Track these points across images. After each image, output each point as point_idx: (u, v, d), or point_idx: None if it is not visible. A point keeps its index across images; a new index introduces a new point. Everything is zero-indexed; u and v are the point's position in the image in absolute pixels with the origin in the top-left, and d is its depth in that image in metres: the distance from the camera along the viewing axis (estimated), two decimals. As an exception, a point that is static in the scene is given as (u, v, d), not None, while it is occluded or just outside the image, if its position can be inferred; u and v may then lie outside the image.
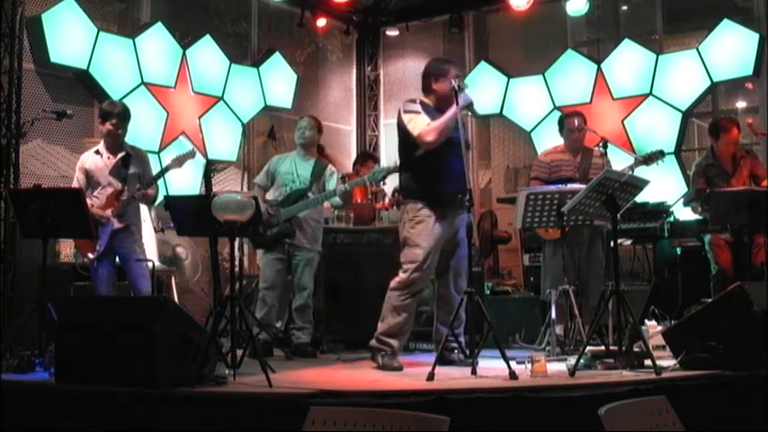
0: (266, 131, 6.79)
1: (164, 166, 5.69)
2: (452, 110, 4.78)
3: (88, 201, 5.27)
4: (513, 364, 4.32)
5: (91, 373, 4.04)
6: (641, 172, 5.55)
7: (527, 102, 8.92)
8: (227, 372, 4.24)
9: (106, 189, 5.46)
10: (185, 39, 8.07)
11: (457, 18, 9.25)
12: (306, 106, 9.19)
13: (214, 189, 6.34)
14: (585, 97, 8.57)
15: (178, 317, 4.19)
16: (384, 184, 7.10)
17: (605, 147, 5.73)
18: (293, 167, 6.03)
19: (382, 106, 10.06)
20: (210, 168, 6.56)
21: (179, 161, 5.60)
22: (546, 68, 8.83)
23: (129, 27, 7.69)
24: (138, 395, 3.86)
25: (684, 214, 6.97)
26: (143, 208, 5.84)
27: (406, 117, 4.97)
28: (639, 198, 5.30)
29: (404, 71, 9.99)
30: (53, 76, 6.89)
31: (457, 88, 4.85)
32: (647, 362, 4.34)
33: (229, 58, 8.36)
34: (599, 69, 8.56)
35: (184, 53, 7.95)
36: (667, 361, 4.48)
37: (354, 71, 10.15)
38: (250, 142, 8.55)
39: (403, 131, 5.01)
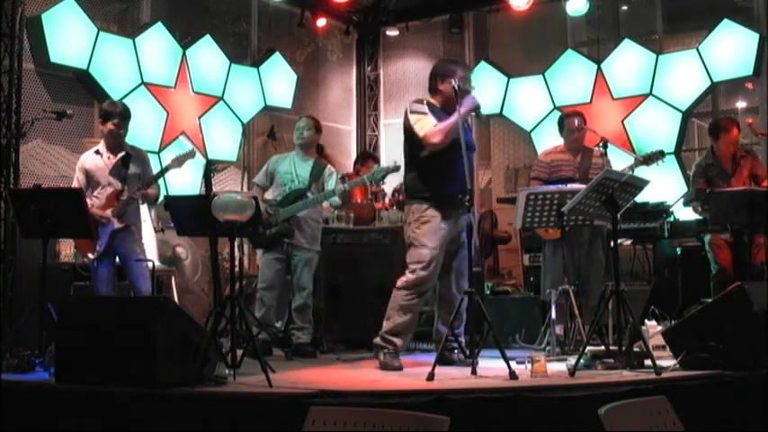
0: (266, 131, 6.79)
1: (164, 166, 5.69)
2: (459, 112, 4.79)
3: (88, 201, 5.27)
4: (513, 364, 4.32)
5: (91, 373, 4.04)
6: (641, 172, 5.55)
7: (527, 102, 8.93)
8: (227, 372, 4.24)
9: (106, 189, 5.46)
10: (185, 39, 8.06)
11: (457, 18, 9.26)
12: (306, 106, 9.19)
13: (214, 189, 6.34)
14: (585, 97, 8.57)
15: (178, 317, 4.19)
16: (383, 183, 7.10)
17: (605, 147, 5.74)
18: (292, 167, 6.03)
19: (382, 106, 10.07)
20: (210, 168, 6.56)
21: (179, 161, 5.61)
22: (546, 68, 8.83)
23: (129, 27, 7.69)
24: (138, 395, 3.86)
25: (684, 214, 6.97)
26: (143, 208, 5.84)
27: (412, 117, 4.96)
28: (639, 198, 5.30)
29: (404, 71, 10.00)
30: (53, 76, 6.89)
31: (458, 89, 4.86)
32: (647, 362, 4.34)
33: (229, 58, 8.36)
34: (599, 69, 8.56)
35: (184, 53, 7.95)
36: (667, 361, 4.47)
37: (354, 71, 10.15)
38: (250, 142, 8.55)
39: (409, 132, 5.00)
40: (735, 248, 5.98)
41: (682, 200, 7.09)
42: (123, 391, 3.90)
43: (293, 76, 8.99)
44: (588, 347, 4.54)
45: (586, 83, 8.60)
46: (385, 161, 8.71)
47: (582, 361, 4.43)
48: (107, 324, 4.13)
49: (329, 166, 6.16)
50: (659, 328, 5.03)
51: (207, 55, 8.15)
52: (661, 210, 6.91)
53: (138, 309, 4.33)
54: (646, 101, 8.31)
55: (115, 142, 5.52)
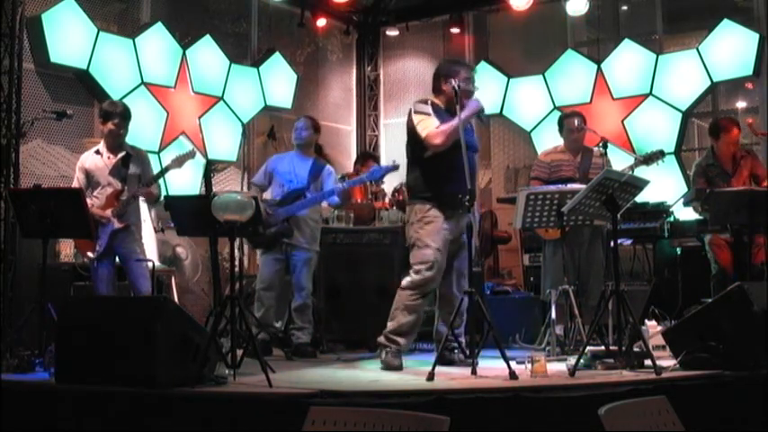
0: (266, 131, 6.79)
1: (164, 167, 5.69)
2: (462, 115, 4.78)
3: (88, 201, 5.27)
4: (513, 364, 4.32)
5: (91, 373, 4.04)
6: (641, 172, 5.55)
7: (527, 102, 8.93)
8: (227, 372, 4.24)
9: (106, 189, 5.46)
10: (185, 39, 8.07)
11: (457, 18, 9.26)
12: (306, 106, 9.19)
13: (214, 189, 6.34)
14: (585, 97, 8.57)
15: (178, 317, 4.19)
16: (383, 183, 7.10)
17: (605, 147, 5.73)
18: (291, 167, 6.03)
19: (382, 106, 10.07)
20: (210, 168, 6.56)
21: (179, 161, 5.60)
22: (546, 68, 8.83)
23: (129, 27, 7.69)
24: (138, 395, 3.86)
25: (684, 214, 6.97)
26: (143, 208, 5.84)
27: (416, 117, 4.97)
28: (639, 198, 5.30)
29: (404, 71, 10.00)
30: (53, 76, 6.89)
31: (458, 89, 4.87)
32: (647, 362, 4.34)
33: (229, 58, 8.36)
34: (599, 69, 8.57)
35: (184, 53, 7.95)
36: (667, 361, 4.47)
37: (354, 71, 10.15)
38: (250, 142, 8.55)
39: (412, 132, 5.01)
40: (735, 248, 5.98)
41: (682, 200, 7.09)
42: (123, 391, 3.90)
43: (293, 76, 8.99)
44: (588, 347, 4.54)
45: (586, 83, 8.60)
46: (385, 161, 8.70)
47: (582, 361, 4.43)
48: (107, 324, 4.13)
49: (328, 165, 6.16)
50: (659, 328, 5.03)
51: (207, 55, 8.16)
52: (661, 210, 6.91)
53: (138, 309, 4.33)
54: (646, 101, 8.31)
55: (115, 142, 5.52)
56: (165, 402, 3.84)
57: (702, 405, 3.77)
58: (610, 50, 8.62)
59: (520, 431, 3.65)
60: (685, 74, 8.12)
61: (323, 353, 6.08)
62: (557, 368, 4.52)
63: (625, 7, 9.27)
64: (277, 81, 8.82)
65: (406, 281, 4.97)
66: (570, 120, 6.10)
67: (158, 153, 7.51)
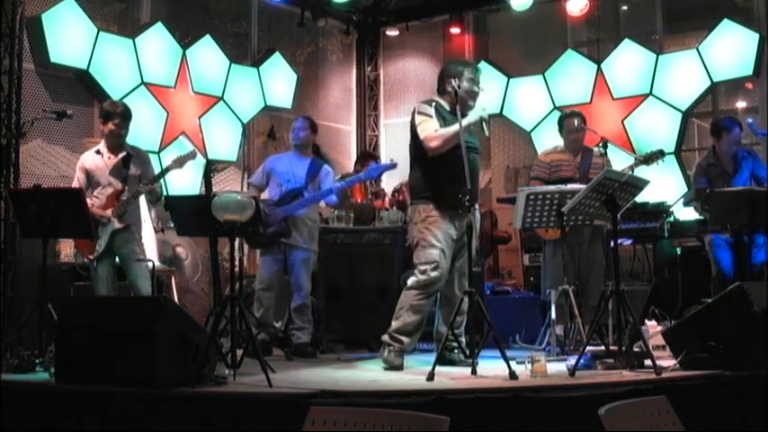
0: (266, 131, 6.79)
1: (164, 167, 5.68)
2: (464, 122, 4.79)
3: (88, 200, 5.27)
4: (513, 364, 4.32)
5: (91, 373, 4.04)
6: (641, 172, 5.55)
7: (527, 102, 8.92)
8: (227, 372, 4.24)
9: (106, 189, 5.46)
10: (185, 39, 8.06)
11: (457, 18, 9.26)
12: (306, 106, 9.19)
13: (214, 189, 6.34)
14: (585, 97, 8.57)
15: (178, 317, 4.19)
16: (381, 181, 7.10)
17: (605, 147, 5.72)
18: (289, 167, 6.04)
19: (382, 106, 10.06)
20: (210, 168, 6.56)
21: (180, 162, 5.60)
22: (546, 68, 8.82)
23: (129, 27, 7.68)
24: (138, 395, 3.86)
25: (684, 214, 6.97)
26: (143, 208, 5.84)
27: (418, 118, 5.00)
28: (639, 198, 5.30)
29: (404, 71, 10.00)
30: (53, 76, 6.88)
31: (457, 89, 4.88)
32: (647, 362, 4.34)
33: (229, 58, 8.36)
34: (599, 69, 8.56)
35: (184, 53, 7.95)
36: (667, 361, 4.47)
37: (354, 71, 10.15)
38: (250, 142, 8.54)
39: (414, 132, 5.03)
40: (735, 248, 5.98)
41: (682, 200, 7.09)
42: (123, 391, 3.90)
43: (293, 76, 8.99)
44: (588, 347, 4.54)
45: (586, 83, 8.60)
46: (385, 161, 8.71)
47: (582, 361, 4.43)
48: (107, 324, 4.14)
49: (325, 165, 6.17)
50: (659, 328, 5.03)
51: (207, 55, 8.15)
52: (661, 210, 6.91)
53: (138, 309, 4.33)
54: (646, 101, 8.30)
55: (116, 142, 5.52)
56: (165, 402, 3.84)
57: (702, 405, 3.77)
58: (610, 50, 8.62)
59: (520, 431, 3.65)
60: (685, 74, 8.12)
61: (323, 353, 6.08)
62: (557, 368, 4.51)
63: (625, 7, 9.27)
64: (277, 81, 8.82)
65: (411, 280, 4.97)
66: (570, 120, 6.10)
67: (158, 153, 7.51)
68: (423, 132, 4.92)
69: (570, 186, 5.41)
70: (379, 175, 6.21)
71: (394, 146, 9.28)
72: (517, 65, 9.14)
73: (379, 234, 6.56)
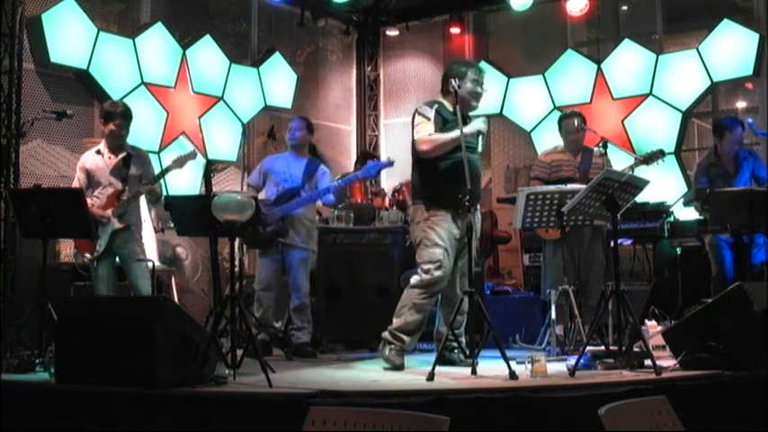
0: (266, 131, 6.79)
1: (165, 167, 5.68)
2: (457, 132, 4.80)
3: (88, 200, 5.27)
4: (513, 364, 4.33)
5: (91, 373, 4.04)
6: (641, 172, 5.55)
7: (527, 102, 8.92)
8: (227, 372, 4.24)
9: (107, 189, 5.46)
10: (185, 39, 8.06)
11: (457, 18, 9.26)
12: (306, 106, 9.19)
13: (214, 189, 6.34)
14: (585, 97, 8.57)
15: (178, 317, 4.19)
16: (379, 179, 7.09)
17: (605, 147, 5.72)
18: (286, 167, 6.05)
19: (382, 106, 10.06)
20: (210, 168, 6.56)
21: (180, 162, 5.60)
22: (546, 68, 8.82)
23: (129, 27, 7.68)
24: (138, 395, 3.86)
25: (684, 214, 6.97)
26: (143, 208, 5.84)
27: (417, 119, 5.03)
28: (639, 198, 5.30)
29: (404, 71, 10.00)
30: (53, 76, 6.88)
31: (457, 89, 4.88)
32: (647, 362, 4.34)
33: (229, 58, 8.36)
34: (599, 69, 8.56)
35: (184, 53, 7.95)
36: (667, 361, 4.47)
37: (354, 71, 10.14)
38: (250, 142, 8.54)
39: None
40: (735, 248, 5.98)
41: (682, 200, 7.09)
42: (123, 391, 3.90)
43: (293, 76, 8.99)
44: (588, 347, 4.54)
45: (586, 83, 8.59)
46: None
47: (582, 361, 4.43)
48: (107, 324, 4.14)
49: (322, 165, 6.17)
50: (659, 328, 5.03)
51: (207, 55, 8.15)
52: (661, 210, 6.91)
53: (138, 309, 4.33)
54: (646, 101, 8.30)
55: (116, 143, 5.53)
56: (165, 402, 3.84)
57: (702, 405, 3.77)
58: (610, 50, 8.62)
59: (520, 431, 3.65)
60: (685, 74, 8.11)
61: (323, 353, 6.08)
62: (557, 368, 4.52)
63: (625, 7, 9.27)
64: (277, 81, 8.82)
65: (415, 279, 4.97)
66: (570, 120, 6.10)
67: (158, 153, 7.50)
68: (417, 134, 4.97)
69: (570, 186, 5.42)
70: (376, 173, 6.21)
71: (394, 146, 9.26)
72: (517, 65, 9.14)
73: (379, 234, 6.56)
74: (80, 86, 7.11)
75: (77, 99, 7.00)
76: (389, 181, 7.54)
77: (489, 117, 8.81)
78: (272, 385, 4.00)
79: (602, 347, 4.76)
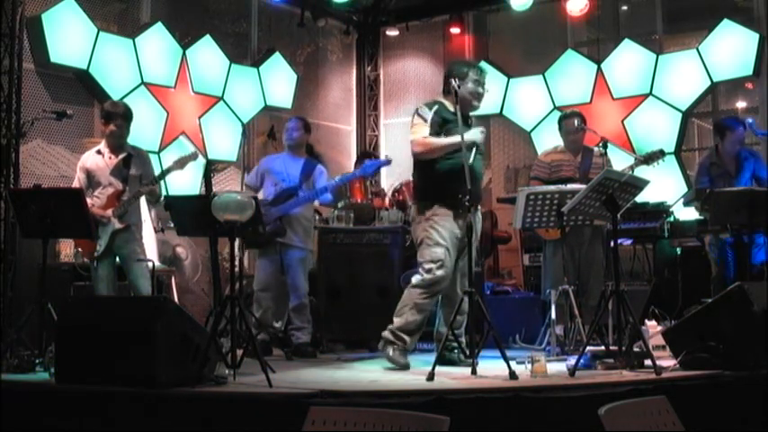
0: (266, 131, 6.80)
1: (165, 168, 5.67)
2: (452, 139, 4.82)
3: (89, 200, 5.27)
4: (513, 364, 4.33)
5: (91, 373, 4.04)
6: (641, 172, 5.55)
7: (527, 102, 8.93)
8: (227, 372, 4.24)
9: (107, 189, 5.46)
10: (185, 39, 8.06)
11: (457, 18, 9.26)
12: (306, 106, 9.19)
13: (214, 189, 6.34)
14: (585, 97, 8.57)
15: (178, 317, 4.19)
16: (381, 181, 7.09)
17: (605, 147, 5.72)
18: (283, 167, 6.06)
19: (382, 106, 10.06)
20: (210, 168, 6.56)
21: (181, 163, 5.60)
22: (546, 68, 8.82)
23: (129, 27, 7.68)
24: (138, 395, 3.86)
25: (684, 214, 6.97)
26: (143, 208, 5.84)
27: (414, 119, 5.04)
28: (639, 198, 5.30)
29: (404, 71, 10.00)
30: (53, 76, 6.88)
31: (457, 89, 4.89)
32: (647, 362, 4.34)
33: (229, 58, 8.36)
34: (599, 69, 8.56)
35: (184, 53, 7.95)
36: (667, 361, 4.47)
37: (354, 71, 10.14)
38: (250, 142, 8.54)
39: None
40: (735, 248, 5.97)
41: (682, 200, 7.09)
42: (123, 391, 3.90)
43: (293, 76, 8.99)
44: (588, 347, 4.54)
45: (586, 83, 8.59)
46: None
47: (582, 361, 4.43)
48: (107, 324, 4.14)
49: (319, 165, 6.18)
50: (659, 328, 5.03)
51: (207, 55, 8.15)
52: (661, 210, 6.91)
53: (138, 309, 4.33)
54: (646, 101, 8.30)
55: (117, 143, 5.53)
56: (165, 402, 3.84)
57: (702, 405, 3.77)
58: (610, 50, 8.62)
59: (520, 431, 3.65)
60: (685, 74, 8.12)
61: (323, 353, 6.08)
62: (557, 368, 4.52)
63: (625, 7, 9.27)
64: (277, 81, 8.82)
65: (416, 279, 4.97)
66: (570, 120, 6.10)
67: (158, 153, 7.51)
68: (412, 135, 4.98)
69: (570, 186, 5.42)
70: (374, 171, 6.21)
71: (394, 146, 9.26)
72: (517, 65, 9.14)
73: (379, 234, 6.56)
74: (80, 86, 7.11)
75: (77, 99, 7.00)
76: (389, 181, 7.55)
77: (489, 118, 8.92)
78: (272, 385, 4.00)
79: (602, 347, 4.76)
